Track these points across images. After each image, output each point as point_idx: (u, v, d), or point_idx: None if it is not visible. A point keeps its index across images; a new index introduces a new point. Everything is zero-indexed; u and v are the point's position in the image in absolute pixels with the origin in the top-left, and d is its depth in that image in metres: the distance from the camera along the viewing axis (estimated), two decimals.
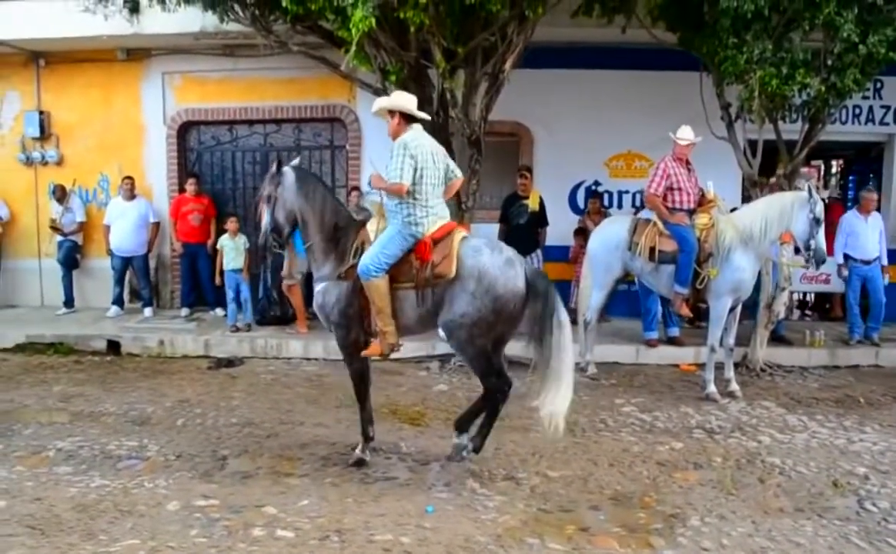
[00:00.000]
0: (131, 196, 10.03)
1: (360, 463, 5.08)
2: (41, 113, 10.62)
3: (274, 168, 5.28)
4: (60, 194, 10.35)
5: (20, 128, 10.75)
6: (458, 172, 5.19)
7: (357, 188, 10.02)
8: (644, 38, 8.16)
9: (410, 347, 8.23)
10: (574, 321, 8.27)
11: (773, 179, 7.70)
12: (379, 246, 4.86)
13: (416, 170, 4.74)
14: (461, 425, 5.10)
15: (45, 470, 5.13)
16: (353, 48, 6.47)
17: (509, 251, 4.87)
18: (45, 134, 10.67)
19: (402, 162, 4.71)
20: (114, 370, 8.03)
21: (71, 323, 9.69)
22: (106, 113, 10.58)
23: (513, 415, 6.25)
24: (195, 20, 8.85)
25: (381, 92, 7.69)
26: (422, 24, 6.59)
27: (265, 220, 5.29)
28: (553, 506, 4.52)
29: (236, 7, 7.83)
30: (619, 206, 9.98)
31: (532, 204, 8.76)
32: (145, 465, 5.19)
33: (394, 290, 4.86)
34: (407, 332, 5.06)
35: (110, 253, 10.04)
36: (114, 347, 8.83)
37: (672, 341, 8.51)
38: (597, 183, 10.01)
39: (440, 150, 5.04)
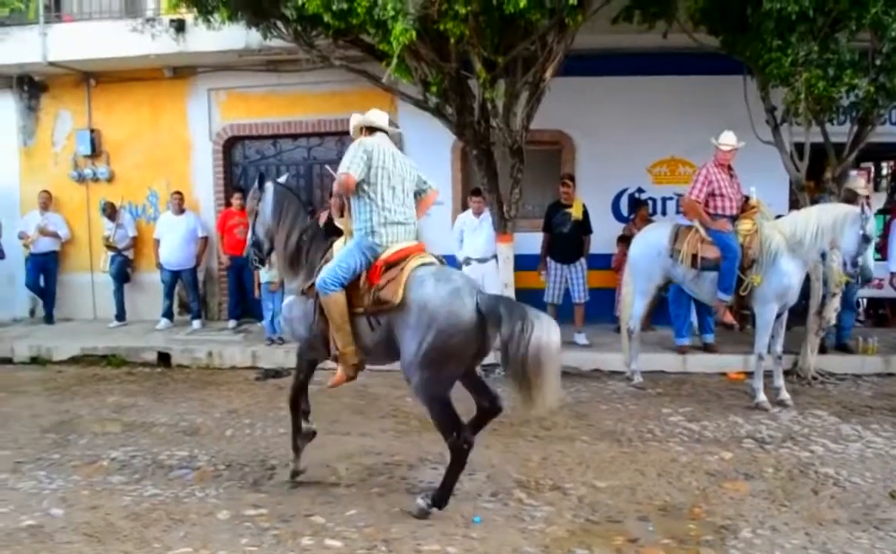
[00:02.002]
0: (180, 211, 10.25)
1: (294, 474, 5.07)
2: (92, 131, 10.92)
3: (256, 183, 5.31)
4: (111, 211, 10.63)
5: (72, 146, 11.07)
6: (432, 185, 5.00)
7: None
8: (685, 42, 8.07)
9: None
10: (619, 329, 8.28)
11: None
12: (336, 258, 4.68)
13: (369, 167, 4.51)
14: (439, 502, 4.48)
15: (100, 479, 5.27)
16: (395, 61, 6.54)
17: (459, 281, 4.41)
18: (96, 152, 10.97)
19: (352, 156, 4.53)
20: (164, 381, 8.21)
21: (123, 335, 9.93)
22: (154, 130, 10.83)
23: (559, 424, 6.28)
24: (239, 37, 9.05)
25: (423, 104, 7.78)
26: (462, 35, 6.63)
27: (248, 234, 5.36)
28: (601, 516, 4.49)
29: (279, 24, 7.95)
30: (664, 212, 9.88)
31: (575, 212, 8.71)
32: (196, 474, 5.29)
33: (352, 314, 4.59)
34: (370, 359, 4.80)
35: (160, 267, 10.27)
36: (164, 358, 9.03)
37: (707, 348, 8.39)
38: (640, 190, 9.94)
39: (408, 161, 4.86)
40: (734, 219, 6.94)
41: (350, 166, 4.50)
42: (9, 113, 11.25)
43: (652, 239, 7.40)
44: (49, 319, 10.87)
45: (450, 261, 9.50)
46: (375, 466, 5.35)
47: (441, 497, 4.44)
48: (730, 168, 7.05)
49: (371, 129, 4.78)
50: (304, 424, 5.06)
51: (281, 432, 6.09)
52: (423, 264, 4.51)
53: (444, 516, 4.44)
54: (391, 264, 4.49)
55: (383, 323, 4.47)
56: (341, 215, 4.96)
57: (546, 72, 7.34)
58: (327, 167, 5.93)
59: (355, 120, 4.91)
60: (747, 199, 7.02)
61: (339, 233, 4.92)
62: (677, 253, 7.06)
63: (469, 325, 4.21)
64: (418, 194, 4.89)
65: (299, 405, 5.05)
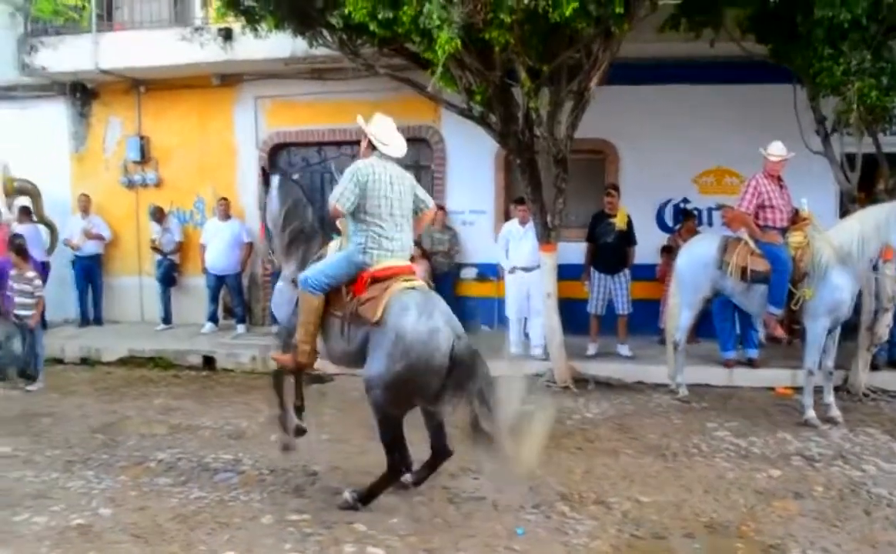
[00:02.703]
0: (226, 217, 10.40)
1: (286, 448, 5.41)
2: (142, 138, 11.16)
3: (261, 178, 5.53)
4: (159, 216, 10.84)
5: (122, 152, 11.33)
6: (430, 203, 5.02)
7: (442, 207, 10.11)
8: (733, 51, 7.97)
9: (495, 368, 8.26)
10: (664, 342, 8.18)
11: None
12: (324, 264, 4.79)
13: (362, 196, 4.53)
14: (365, 501, 4.70)
15: (147, 480, 5.36)
16: (439, 70, 6.55)
17: (440, 321, 4.41)
18: (145, 158, 11.21)
19: (344, 186, 4.55)
20: (209, 385, 8.33)
21: (169, 338, 10.10)
22: (201, 137, 11.02)
23: (602, 438, 6.21)
24: (285, 46, 9.15)
25: (467, 112, 7.78)
26: (506, 43, 6.62)
27: (263, 228, 5.57)
28: (646, 532, 4.42)
29: (325, 32, 8.03)
30: (710, 223, 9.73)
31: (619, 222, 8.63)
32: (240, 478, 5.35)
33: (328, 314, 4.73)
34: (334, 360, 5.01)
35: (205, 271, 10.42)
36: (209, 362, 9.16)
37: (751, 363, 8.23)
38: (685, 200, 9.81)
39: (408, 180, 4.83)
40: (784, 231, 6.81)
41: (339, 198, 4.56)
42: (61, 119, 11.55)
43: (700, 251, 7.30)
44: (98, 320, 11.12)
45: (493, 270, 9.69)
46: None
47: (366, 496, 4.67)
48: (780, 179, 6.92)
49: (372, 145, 4.78)
50: (296, 421, 5.34)
51: (323, 438, 6.13)
52: (408, 288, 4.56)
53: (486, 528, 4.42)
54: (377, 280, 4.56)
55: (357, 333, 4.57)
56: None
57: (591, 80, 7.29)
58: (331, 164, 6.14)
59: (360, 123, 4.90)
60: (797, 211, 6.89)
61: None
62: (726, 265, 6.95)
63: (440, 368, 4.30)
64: (416, 212, 4.89)
65: (282, 387, 5.30)
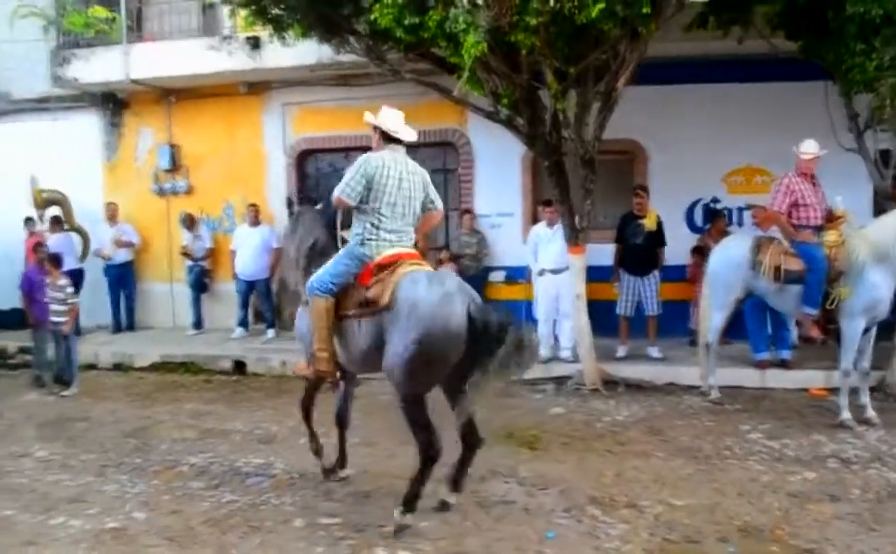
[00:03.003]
0: (255, 223, 10.49)
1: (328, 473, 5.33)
2: (172, 146, 11.29)
3: (287, 210, 5.58)
4: (190, 223, 10.97)
5: (153, 161, 11.47)
6: (439, 204, 4.91)
7: (469, 211, 10.12)
8: (762, 48, 7.87)
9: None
10: (693, 342, 8.09)
11: None
12: (327, 265, 4.73)
13: (369, 189, 4.50)
14: (407, 506, 4.46)
15: (179, 484, 5.43)
16: (466, 74, 6.56)
17: (452, 284, 4.38)
18: (175, 166, 11.34)
19: (351, 177, 4.53)
20: (240, 389, 8.40)
21: (200, 343, 10.21)
22: (230, 144, 11.12)
23: (633, 440, 6.17)
24: (312, 53, 9.22)
25: (493, 116, 7.77)
26: (533, 46, 6.61)
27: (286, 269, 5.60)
28: (678, 536, 4.38)
29: (351, 39, 8.07)
30: (740, 223, 9.62)
31: (649, 223, 8.56)
32: (272, 482, 5.39)
33: (341, 316, 4.64)
34: (354, 366, 4.88)
35: (235, 277, 10.52)
36: (240, 366, 9.25)
37: (784, 364, 8.09)
38: (715, 199, 9.70)
39: (419, 177, 4.74)
40: (819, 229, 6.71)
41: (345, 190, 4.52)
42: (93, 130, 11.74)
43: (732, 251, 7.21)
44: (131, 326, 11.29)
45: (521, 272, 9.67)
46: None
47: (408, 504, 4.43)
48: (813, 177, 6.82)
49: (386, 137, 4.73)
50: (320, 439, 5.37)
51: (354, 442, 6.13)
52: (416, 269, 4.51)
53: (517, 531, 4.41)
54: (383, 267, 4.52)
55: (370, 326, 4.47)
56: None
57: (618, 81, 7.25)
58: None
59: (368, 118, 4.86)
60: (831, 209, 6.79)
61: None
62: (759, 265, 6.86)
63: (457, 333, 4.18)
64: (424, 211, 4.82)
65: (311, 412, 5.34)
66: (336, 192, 4.57)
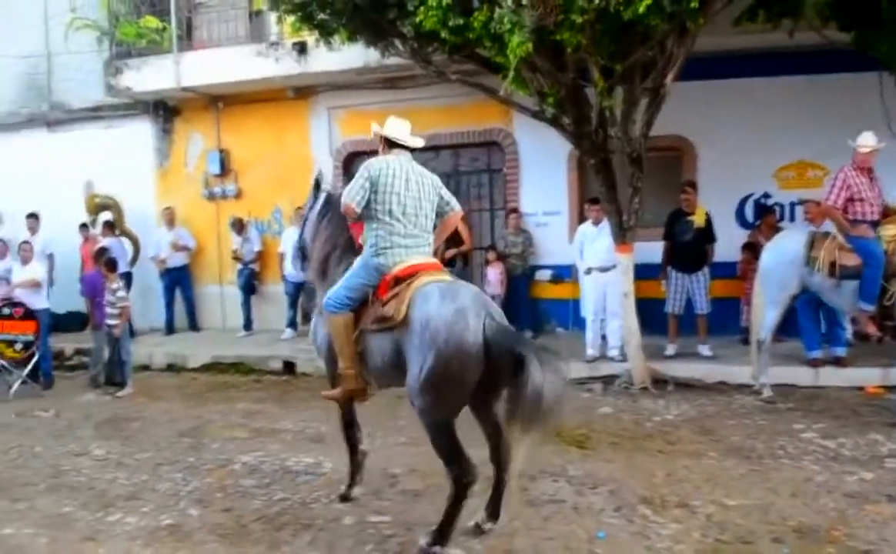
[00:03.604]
0: None
1: (345, 498, 4.99)
2: (221, 151, 11.52)
3: (312, 187, 5.22)
4: (239, 226, 11.16)
5: (203, 166, 11.71)
6: (455, 206, 4.71)
7: (515, 210, 10.11)
8: (814, 40, 7.71)
9: (573, 369, 8.16)
10: (745, 341, 7.95)
11: None
12: (343, 279, 4.55)
13: (374, 193, 4.34)
14: (439, 538, 4.15)
15: (231, 482, 5.52)
16: (511, 73, 6.55)
17: (467, 299, 4.02)
18: (224, 171, 11.56)
19: (354, 184, 4.39)
20: (290, 389, 8.51)
21: (250, 344, 10.37)
22: (278, 148, 11.29)
23: (683, 439, 6.09)
24: (358, 57, 9.31)
25: (539, 115, 7.75)
26: (578, 44, 6.57)
27: (297, 237, 5.43)
28: (731, 536, 4.30)
29: (397, 42, 8.13)
30: (791, 219, 9.43)
31: (698, 220, 8.43)
32: (322, 480, 5.44)
33: (362, 331, 4.42)
34: (378, 380, 4.61)
35: (284, 279, 10.66)
36: (289, 367, 9.37)
37: (838, 362, 7.87)
38: (766, 195, 9.53)
39: (428, 179, 4.55)
40: (876, 224, 6.54)
41: (351, 195, 4.38)
42: (146, 137, 12.04)
43: (786, 246, 7.06)
44: (194, 327, 11.59)
45: (567, 271, 9.62)
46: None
47: (441, 535, 4.10)
48: (870, 171, 6.66)
49: (390, 143, 4.62)
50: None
51: (401, 441, 6.19)
52: (433, 280, 4.24)
53: (566, 531, 4.38)
54: (400, 280, 4.30)
55: (391, 341, 4.22)
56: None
57: (666, 77, 7.16)
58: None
59: (374, 128, 4.75)
60: (888, 203, 6.62)
61: None
62: (814, 261, 6.72)
63: (472, 348, 3.88)
64: (441, 215, 4.65)
65: (353, 438, 5.06)
66: (344, 200, 4.43)
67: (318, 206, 5.14)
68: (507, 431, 3.96)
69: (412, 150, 4.65)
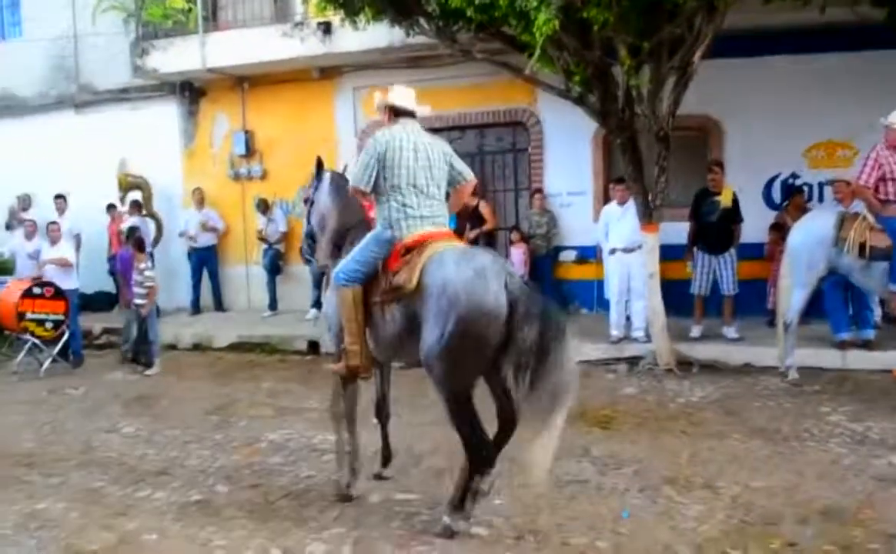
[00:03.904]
0: None
1: (345, 498, 4.70)
2: (246, 132, 11.58)
3: (314, 170, 5.05)
4: (264, 207, 11.24)
5: (229, 147, 11.79)
6: (468, 174, 4.50)
7: (540, 190, 10.07)
8: (846, 16, 7.58)
9: (596, 350, 8.19)
10: (772, 323, 7.88)
11: None
12: (353, 251, 4.40)
13: (382, 168, 4.18)
14: (456, 505, 4.15)
15: (258, 460, 5.60)
16: (537, 52, 6.51)
17: (485, 260, 3.95)
18: (250, 151, 11.62)
19: (360, 164, 4.24)
20: (314, 369, 8.57)
21: (275, 325, 10.47)
22: (303, 128, 11.31)
23: (708, 421, 6.07)
24: (383, 36, 9.30)
25: (565, 93, 7.70)
26: (605, 21, 6.50)
27: (303, 225, 5.24)
28: (756, 518, 4.29)
29: (422, 21, 8.10)
30: (819, 199, 9.30)
31: (724, 200, 8.32)
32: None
33: (370, 304, 4.27)
34: (386, 356, 4.55)
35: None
36: (314, 346, 9.44)
37: (866, 344, 7.75)
38: (794, 175, 9.40)
39: (438, 147, 4.37)
40: None
41: (358, 177, 4.24)
42: (172, 118, 12.13)
43: (814, 227, 6.97)
44: (220, 306, 11.73)
45: (592, 252, 9.57)
46: (518, 456, 5.35)
47: (459, 503, 4.11)
48: None
49: (395, 112, 4.43)
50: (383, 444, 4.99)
51: (427, 420, 6.21)
52: (446, 247, 4.11)
53: (591, 511, 4.40)
54: (410, 249, 4.14)
55: (403, 311, 4.09)
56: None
57: (694, 55, 7.07)
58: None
59: (378, 100, 4.57)
60: None
61: None
62: (843, 242, 6.62)
63: (496, 312, 3.76)
64: (453, 185, 4.46)
65: (353, 422, 4.80)
66: (351, 183, 4.31)
67: (325, 187, 4.98)
68: (525, 402, 3.83)
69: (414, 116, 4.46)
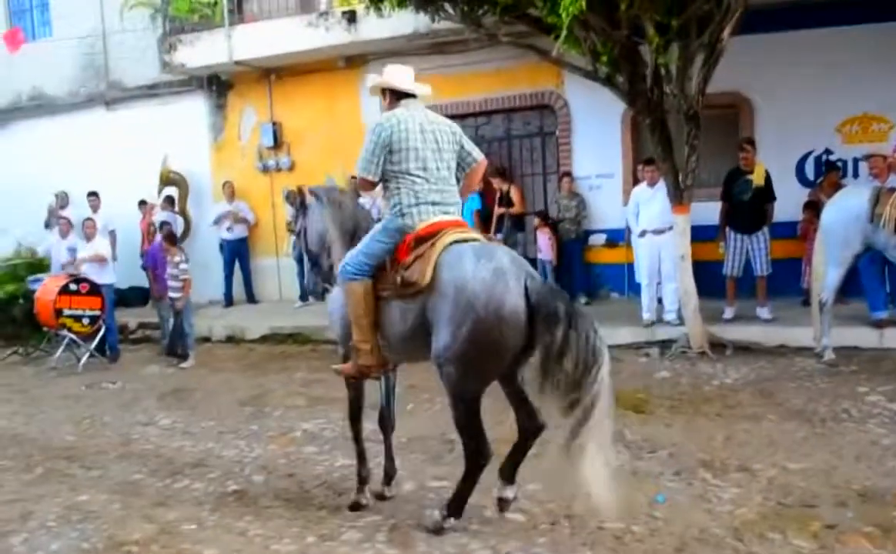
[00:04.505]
0: (357, 196, 10.68)
1: (355, 507, 4.47)
2: (274, 124, 11.64)
3: (297, 202, 4.87)
4: (293, 198, 11.27)
5: (257, 139, 11.87)
6: (478, 155, 4.28)
7: (568, 174, 10.01)
8: None
9: (627, 334, 8.14)
10: (806, 303, 7.76)
11: None
12: (361, 243, 4.16)
13: (389, 153, 3.96)
14: (451, 511, 4.01)
15: (293, 449, 5.66)
16: (564, 33, 6.44)
17: (504, 259, 3.70)
18: (278, 143, 11.70)
19: (366, 150, 3.99)
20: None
21: (306, 315, 10.53)
22: (330, 119, 11.35)
23: (743, 403, 6.01)
24: (407, 23, 9.29)
25: (592, 75, 7.61)
26: (632, 0, 6.42)
27: (306, 262, 4.93)
28: (794, 500, 4.23)
29: (447, 6, 8.06)
30: (854, 175, 9.11)
31: (757, 179, 8.17)
32: (380, 447, 5.50)
33: (380, 299, 4.04)
34: (394, 355, 4.25)
35: None
36: None
37: None
38: (828, 151, 9.21)
39: (446, 127, 4.14)
40: None
41: (364, 168, 3.99)
42: (200, 112, 12.25)
43: (849, 203, 6.83)
44: (251, 299, 11.85)
45: (621, 235, 9.49)
46: (551, 441, 5.33)
47: (454, 509, 3.97)
48: None
49: (397, 94, 4.18)
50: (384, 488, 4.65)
51: None
52: (459, 240, 3.87)
53: (626, 495, 4.36)
54: (421, 239, 3.89)
55: (414, 308, 3.86)
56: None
57: (723, 31, 6.94)
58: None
59: (373, 81, 4.37)
60: None
61: None
62: (879, 217, 6.48)
63: (515, 315, 3.57)
64: (463, 168, 4.24)
65: (358, 426, 4.62)
66: (358, 174, 4.06)
67: (312, 213, 4.78)
68: (550, 400, 3.63)
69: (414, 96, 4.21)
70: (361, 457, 4.56)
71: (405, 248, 3.92)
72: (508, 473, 4.04)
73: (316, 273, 4.95)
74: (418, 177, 3.97)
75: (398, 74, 4.22)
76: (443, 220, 3.96)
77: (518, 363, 3.81)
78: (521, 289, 3.60)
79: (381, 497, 4.57)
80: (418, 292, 3.80)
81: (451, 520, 3.97)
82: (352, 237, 4.38)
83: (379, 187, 4.11)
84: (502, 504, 4.06)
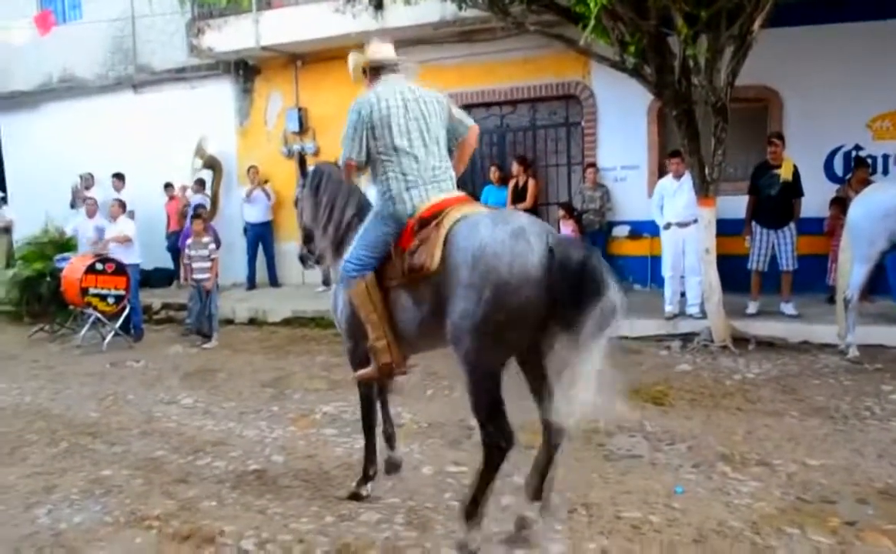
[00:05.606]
0: None
1: (355, 496, 4.35)
2: (300, 109, 11.71)
3: (299, 170, 4.58)
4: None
5: (282, 124, 11.95)
6: (468, 121, 4.03)
7: (593, 164, 9.97)
8: None
9: (650, 326, 8.10)
10: (832, 300, 7.68)
11: None
12: (357, 237, 3.92)
13: (371, 131, 3.74)
14: (470, 515, 3.60)
15: (313, 431, 5.70)
16: (592, 22, 6.40)
17: (521, 220, 3.41)
18: (303, 128, 11.77)
19: (348, 133, 3.78)
20: None
21: (328, 299, 10.52)
22: None
23: (764, 398, 5.96)
24: (434, 10, 9.29)
25: (619, 65, 7.56)
26: None
27: (300, 232, 4.70)
28: (814, 496, 4.20)
29: None
30: (885, 172, 8.98)
31: (784, 173, 8.09)
32: (401, 430, 5.52)
33: (387, 291, 3.80)
34: (415, 346, 3.98)
35: None
36: None
37: None
38: (858, 147, 9.09)
39: (432, 98, 3.90)
40: None
41: (348, 148, 3.79)
42: (227, 96, 12.34)
43: (877, 200, 6.74)
44: (274, 282, 11.94)
45: (646, 227, 9.44)
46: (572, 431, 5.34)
47: (474, 506, 3.56)
48: None
49: (377, 71, 4.02)
50: (389, 453, 4.62)
51: None
52: (463, 216, 3.55)
53: (644, 485, 4.37)
54: (425, 221, 3.63)
55: (426, 294, 3.59)
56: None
57: (754, 23, 6.86)
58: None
59: (353, 61, 4.15)
60: None
61: None
62: None
63: (537, 276, 3.24)
64: (455, 137, 4.00)
65: (372, 422, 4.44)
66: (342, 158, 3.84)
67: (308, 183, 4.51)
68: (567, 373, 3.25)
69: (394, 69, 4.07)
70: (371, 454, 4.42)
71: (408, 234, 3.68)
72: (533, 490, 3.74)
73: (307, 248, 4.72)
74: (405, 154, 3.74)
75: (378, 49, 4.06)
76: (446, 198, 3.72)
77: (542, 337, 3.43)
78: (543, 246, 3.28)
79: (393, 466, 4.60)
80: (429, 276, 3.53)
81: (475, 532, 3.56)
82: (349, 222, 4.21)
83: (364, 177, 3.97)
84: (522, 523, 3.73)
